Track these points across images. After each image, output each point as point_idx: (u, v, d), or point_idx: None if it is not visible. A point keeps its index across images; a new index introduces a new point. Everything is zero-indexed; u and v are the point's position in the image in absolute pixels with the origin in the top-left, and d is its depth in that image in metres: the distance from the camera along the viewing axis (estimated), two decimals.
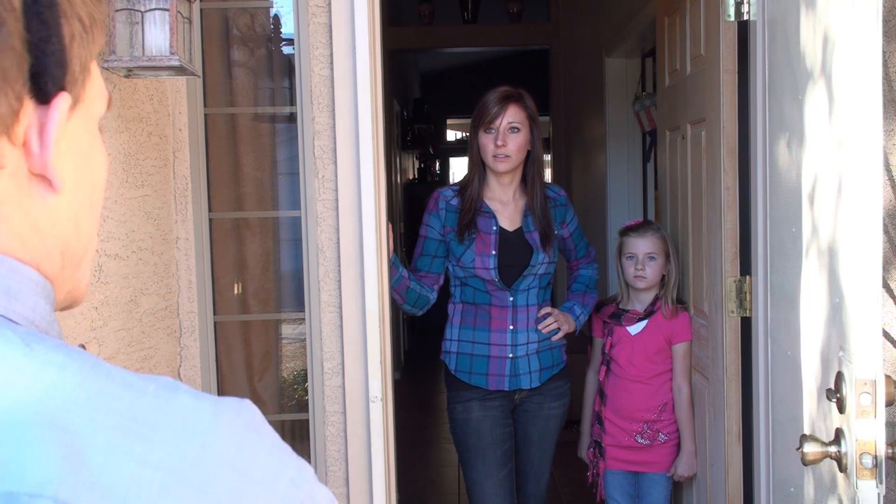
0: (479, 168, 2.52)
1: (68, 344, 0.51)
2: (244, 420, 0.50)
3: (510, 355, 2.52)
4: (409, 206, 7.75)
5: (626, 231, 2.75)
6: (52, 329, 0.55)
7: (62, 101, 0.54)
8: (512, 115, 2.46)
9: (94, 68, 0.58)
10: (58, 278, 0.57)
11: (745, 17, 2.09)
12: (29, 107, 0.52)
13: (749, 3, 2.06)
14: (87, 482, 0.45)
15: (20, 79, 0.51)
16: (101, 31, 0.57)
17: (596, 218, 4.88)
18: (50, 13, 0.52)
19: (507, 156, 2.45)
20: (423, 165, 9.62)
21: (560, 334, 2.59)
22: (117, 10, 1.66)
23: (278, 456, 0.50)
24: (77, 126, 0.57)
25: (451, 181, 11.56)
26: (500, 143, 2.44)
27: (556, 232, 2.58)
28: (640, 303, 2.72)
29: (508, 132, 2.45)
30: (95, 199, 0.60)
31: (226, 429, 0.49)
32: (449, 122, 10.77)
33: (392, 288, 2.34)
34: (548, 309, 2.58)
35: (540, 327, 2.54)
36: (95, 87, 0.59)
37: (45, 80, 0.52)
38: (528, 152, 2.52)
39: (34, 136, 0.53)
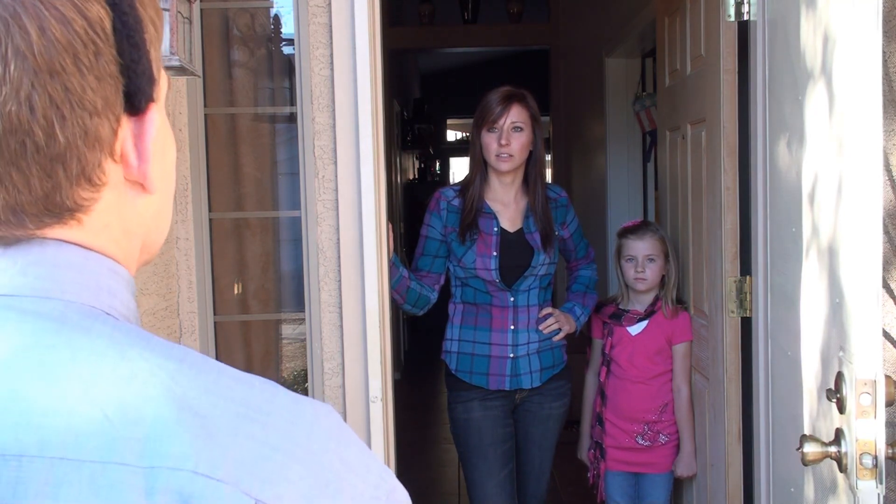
0: (480, 168, 2.52)
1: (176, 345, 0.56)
2: (336, 419, 0.55)
3: (511, 355, 2.52)
4: (409, 207, 7.75)
5: (625, 233, 2.75)
6: (137, 321, 0.61)
7: (155, 113, 0.58)
8: (515, 115, 2.46)
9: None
10: (135, 263, 0.63)
11: (746, 18, 2.09)
12: (123, 123, 0.56)
13: (749, 3, 2.07)
14: (220, 457, 0.49)
15: (118, 102, 0.55)
16: (161, 23, 0.61)
17: (596, 218, 4.88)
18: (138, 35, 0.56)
19: (511, 155, 2.45)
20: (423, 165, 9.62)
21: (561, 335, 2.59)
22: None
23: (367, 452, 0.56)
24: (161, 134, 0.61)
25: (451, 181, 11.58)
26: (503, 142, 2.43)
27: (556, 233, 2.58)
28: (640, 303, 2.72)
29: (512, 132, 2.45)
30: (173, 186, 0.65)
31: (325, 423, 0.54)
32: (449, 122, 10.77)
33: (392, 288, 2.34)
34: (548, 309, 2.58)
35: (541, 328, 2.54)
36: (163, 73, 0.62)
37: (139, 99, 0.56)
38: (530, 153, 2.52)
39: (130, 148, 0.57)
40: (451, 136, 11.33)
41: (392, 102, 6.13)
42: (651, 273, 2.67)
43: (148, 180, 0.58)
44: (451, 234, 2.51)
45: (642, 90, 4.59)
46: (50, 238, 0.56)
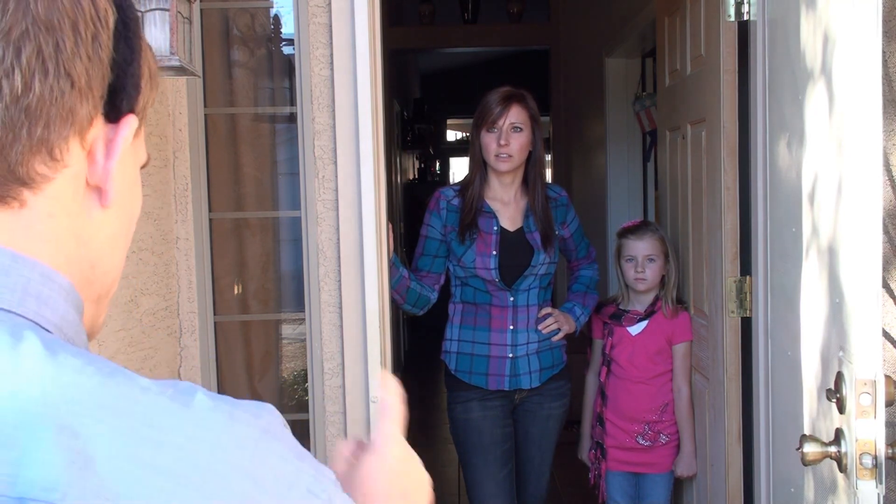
0: (480, 168, 2.52)
1: (91, 352, 0.52)
2: (262, 424, 0.50)
3: (510, 355, 2.52)
4: (409, 207, 7.75)
5: (625, 233, 2.75)
6: (78, 338, 0.56)
7: (131, 121, 0.57)
8: (515, 115, 2.46)
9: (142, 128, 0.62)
10: (85, 292, 0.58)
11: (746, 18, 2.09)
12: (99, 121, 0.56)
13: (749, 3, 2.07)
14: (93, 488, 0.44)
15: (100, 90, 0.55)
16: (157, 88, 0.62)
17: (596, 218, 4.88)
18: (136, 40, 0.57)
19: (510, 155, 2.45)
20: (423, 165, 9.62)
21: (560, 335, 2.59)
22: None
23: (294, 462, 0.49)
24: (130, 157, 0.60)
25: (451, 181, 11.58)
26: (503, 142, 2.44)
27: (556, 232, 2.58)
28: (640, 303, 2.72)
29: (511, 132, 2.45)
30: (130, 230, 0.63)
31: (240, 432, 0.48)
32: (449, 122, 10.76)
33: (392, 288, 2.34)
34: (548, 309, 2.58)
35: (540, 328, 2.54)
36: (143, 137, 0.62)
37: (120, 98, 0.56)
38: (530, 153, 2.52)
39: (100, 147, 0.56)
40: (451, 136, 11.33)
41: (392, 102, 6.13)
42: (651, 273, 2.67)
43: (109, 184, 0.56)
44: (450, 233, 2.51)
45: (642, 90, 4.59)
46: None
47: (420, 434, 5.00)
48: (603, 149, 4.94)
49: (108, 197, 0.57)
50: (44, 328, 0.52)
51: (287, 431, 0.52)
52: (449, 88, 9.50)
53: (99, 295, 0.61)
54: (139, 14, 0.58)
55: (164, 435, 0.47)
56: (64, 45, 0.52)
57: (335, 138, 2.05)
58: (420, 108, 8.84)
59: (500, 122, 2.45)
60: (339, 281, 2.08)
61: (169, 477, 0.46)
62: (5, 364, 0.48)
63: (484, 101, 2.50)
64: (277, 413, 0.52)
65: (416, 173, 9.46)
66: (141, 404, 0.48)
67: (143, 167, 0.63)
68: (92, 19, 0.54)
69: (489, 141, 2.46)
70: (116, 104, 0.56)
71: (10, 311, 0.51)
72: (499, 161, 2.46)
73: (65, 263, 0.56)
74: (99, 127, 0.56)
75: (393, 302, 2.36)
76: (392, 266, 2.34)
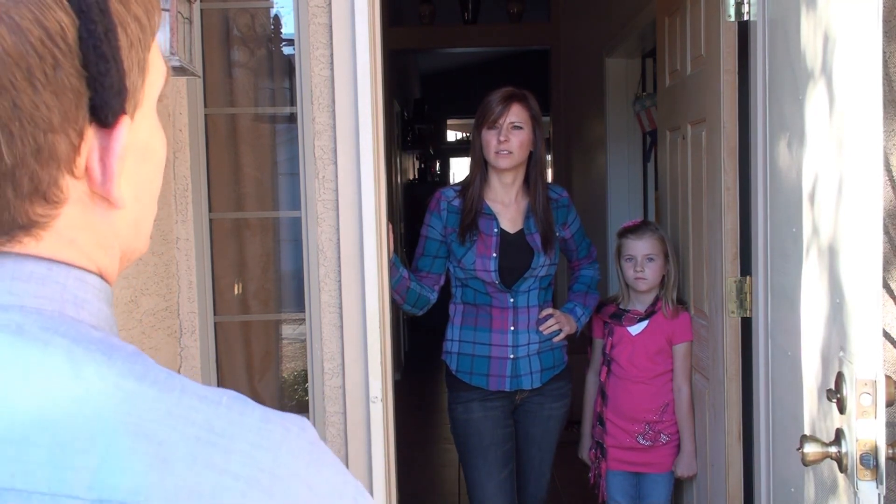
0: (481, 168, 2.52)
1: (141, 353, 0.53)
2: (309, 437, 0.52)
3: (511, 356, 2.52)
4: (409, 207, 7.75)
5: (624, 233, 2.75)
6: (112, 329, 0.57)
7: (123, 126, 0.54)
8: (515, 114, 2.46)
9: (153, 49, 0.57)
10: (115, 269, 0.59)
11: (746, 18, 2.09)
12: (89, 133, 0.52)
13: (749, 3, 2.07)
14: (174, 490, 0.46)
15: (80, 115, 0.51)
16: (157, 13, 0.56)
17: (596, 218, 4.88)
18: (107, 44, 0.51)
19: (510, 152, 2.45)
20: (423, 166, 9.62)
21: (561, 335, 2.59)
22: None
23: (341, 474, 0.52)
24: (138, 127, 0.57)
25: (451, 182, 11.56)
26: (502, 138, 2.44)
27: (557, 233, 2.58)
28: (640, 303, 2.72)
29: (511, 130, 2.45)
30: (156, 191, 0.62)
31: (296, 443, 0.50)
32: (449, 122, 10.76)
33: (392, 288, 2.34)
34: (549, 310, 2.58)
35: (541, 328, 2.54)
36: (154, 75, 0.58)
37: (104, 113, 0.52)
38: (531, 153, 2.52)
39: (96, 162, 0.53)
40: (452, 136, 11.33)
41: (392, 102, 6.13)
42: (650, 272, 2.67)
43: (113, 197, 0.54)
44: (450, 234, 2.51)
45: (642, 90, 4.59)
46: (8, 252, 0.52)
47: (420, 434, 5.00)
48: (603, 149, 4.94)
49: (117, 204, 0.55)
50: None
51: (326, 446, 0.54)
52: (449, 89, 9.50)
53: (127, 261, 0.62)
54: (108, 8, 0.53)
55: (230, 442, 0.48)
56: (23, 101, 0.48)
57: (335, 138, 2.05)
58: (420, 108, 8.84)
59: (501, 121, 2.46)
60: (340, 281, 2.08)
61: (241, 479, 0.47)
62: (65, 370, 0.48)
63: (485, 100, 2.50)
64: (314, 428, 0.54)
65: (416, 173, 9.46)
66: (202, 412, 0.49)
67: (166, 82, 0.61)
68: (46, 49, 0.48)
69: (489, 138, 2.47)
70: (102, 118, 0.52)
71: (53, 315, 0.52)
72: (499, 157, 2.47)
73: (96, 268, 0.56)
74: (89, 140, 0.53)
75: (393, 302, 2.36)
76: (392, 266, 2.34)
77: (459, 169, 11.03)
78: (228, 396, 0.51)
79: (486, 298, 2.52)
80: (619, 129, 4.81)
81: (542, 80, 6.29)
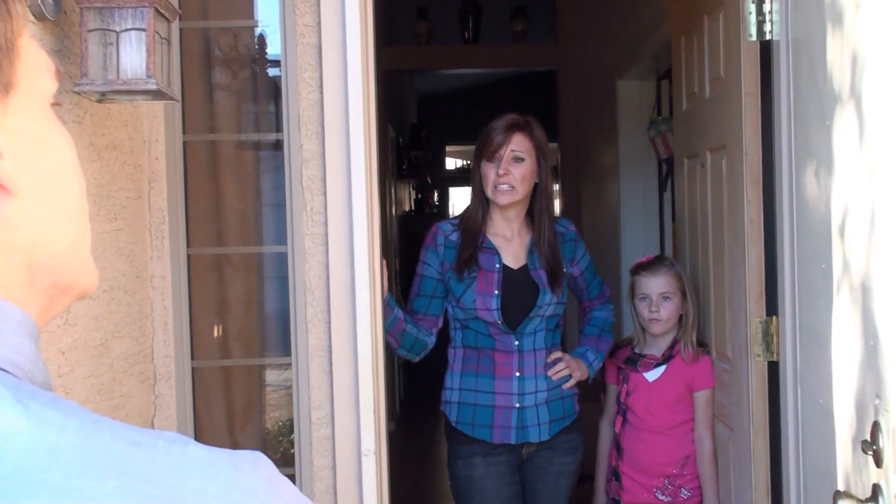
0: (482, 200, 2.54)
1: (61, 397, 0.50)
2: (264, 473, 0.50)
3: (517, 405, 2.51)
4: (404, 241, 7.77)
5: (638, 269, 2.76)
6: (37, 369, 0.54)
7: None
8: (517, 144, 2.48)
9: (25, 44, 0.56)
10: (29, 296, 0.56)
11: (768, 37, 2.12)
12: None
13: (772, 21, 2.09)
14: None
15: None
16: (20, 2, 0.56)
17: (608, 253, 4.89)
18: None
19: (511, 186, 2.47)
20: (420, 196, 9.66)
21: (571, 382, 2.58)
22: (90, 31, 1.68)
23: None
24: (19, 113, 0.55)
25: (450, 213, 11.58)
26: (501, 171, 2.45)
27: (565, 270, 2.58)
28: (657, 346, 2.72)
29: (512, 162, 2.47)
30: (68, 189, 0.59)
31: (248, 483, 0.48)
32: (448, 149, 10.83)
33: (387, 331, 2.34)
34: (557, 354, 2.57)
35: (549, 373, 2.53)
36: (32, 64, 0.57)
37: None
38: (536, 185, 2.53)
39: None
40: (451, 164, 11.38)
41: (386, 128, 6.18)
42: (666, 312, 2.67)
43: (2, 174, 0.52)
44: (448, 271, 2.52)
45: (657, 114, 4.63)
46: None
47: (417, 489, 4.96)
48: (615, 178, 4.97)
49: (5, 183, 0.53)
50: (2, 370, 0.51)
51: (286, 479, 0.52)
52: (448, 113, 9.57)
53: (58, 286, 0.57)
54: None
55: (171, 492, 0.46)
56: None
57: (325, 167, 2.06)
58: (417, 133, 8.90)
59: (501, 152, 2.47)
60: (329, 322, 2.08)
61: None
62: None
63: (485, 129, 2.52)
64: (270, 461, 0.52)
65: (412, 204, 9.49)
66: (136, 460, 0.47)
67: (57, 82, 0.60)
68: None
69: (488, 171, 2.48)
70: None
71: None
72: (497, 193, 2.48)
73: (7, 292, 0.53)
74: None
75: (387, 346, 2.35)
76: (386, 306, 2.34)
77: (459, 199, 11.08)
78: (166, 439, 0.49)
79: (488, 341, 2.52)
80: (632, 157, 4.84)
81: (549, 103, 6.34)
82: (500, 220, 2.56)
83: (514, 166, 2.47)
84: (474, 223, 2.52)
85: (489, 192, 2.50)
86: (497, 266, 2.52)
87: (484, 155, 2.49)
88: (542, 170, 2.52)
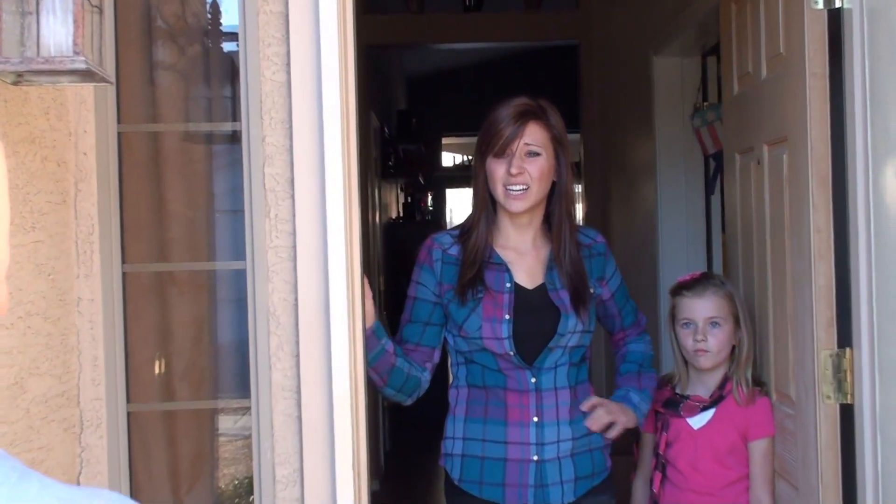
0: (486, 205, 2.53)
1: None
2: None
3: (535, 457, 2.50)
4: (391, 255, 7.77)
5: (680, 289, 2.76)
6: None
7: None
8: (531, 136, 2.47)
9: None
10: None
11: (838, 4, 2.12)
12: None
13: None
14: None
15: None
16: None
17: (643, 270, 4.89)
18: None
19: (525, 187, 2.46)
20: (410, 200, 9.68)
21: (617, 430, 2.55)
22: None
23: None
24: None
25: (448, 220, 11.60)
26: (514, 170, 2.44)
27: (592, 290, 2.57)
28: (703, 385, 2.72)
29: (526, 157, 2.46)
30: None
31: None
32: (445, 141, 10.86)
33: (371, 366, 2.34)
34: (594, 400, 2.56)
35: (588, 423, 2.51)
36: None
37: None
38: (553, 184, 2.53)
39: None
40: (448, 159, 11.41)
41: (369, 116, 6.19)
42: (715, 342, 2.67)
43: None
44: (447, 292, 2.51)
45: (703, 100, 4.64)
46: None
47: None
48: (651, 177, 4.98)
49: None
50: None
51: None
52: (445, 97, 9.59)
53: None
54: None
55: None
56: None
57: (293, 164, 2.06)
58: (406, 123, 8.92)
59: (513, 146, 2.46)
60: (297, 356, 2.07)
61: None
62: None
63: (490, 118, 2.51)
64: None
65: (400, 210, 9.51)
66: None
67: None
68: None
69: (497, 169, 2.47)
70: None
71: None
72: (510, 197, 2.47)
73: None
74: None
75: (371, 385, 2.35)
76: (371, 336, 2.34)
77: (459, 203, 11.10)
78: (103, 499, 0.50)
79: (498, 378, 2.51)
80: (672, 151, 4.85)
81: (570, 86, 6.36)
82: (511, 230, 2.55)
83: (529, 163, 2.46)
84: (479, 234, 2.52)
85: (499, 196, 2.49)
86: (508, 285, 2.51)
87: (490, 150, 2.49)
88: (561, 166, 2.52)
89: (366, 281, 2.21)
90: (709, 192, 4.69)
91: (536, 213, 2.55)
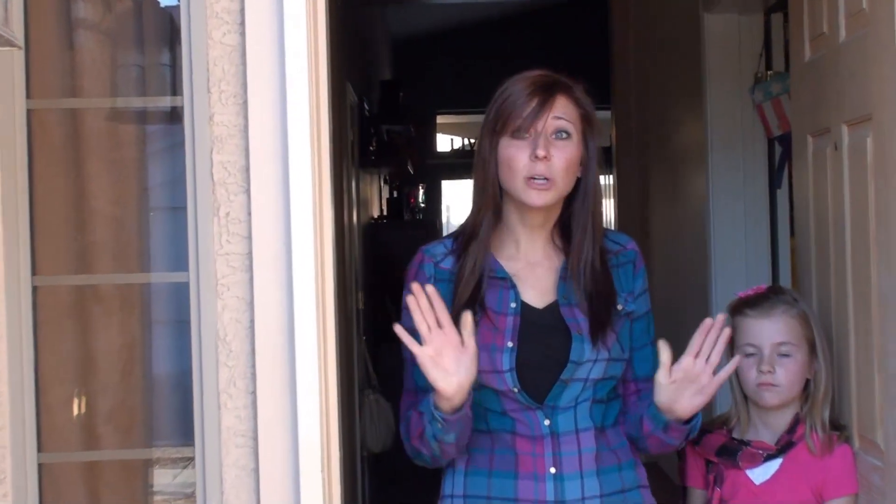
0: (495, 202, 2.50)
1: None
2: None
3: None
4: (373, 265, 7.77)
5: (742, 307, 2.75)
6: None
7: None
8: (561, 110, 2.45)
9: None
10: None
11: None
12: None
13: None
14: None
15: None
16: None
17: (691, 285, 4.89)
18: None
19: (548, 179, 2.44)
20: (396, 194, 9.67)
21: (694, 401, 2.43)
22: None
23: None
24: None
25: (444, 221, 11.59)
26: (541, 151, 2.41)
27: (621, 307, 2.55)
28: (768, 429, 2.72)
29: (553, 139, 2.44)
30: None
31: None
32: (440, 120, 10.86)
33: (452, 442, 2.33)
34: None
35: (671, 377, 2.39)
36: None
37: None
38: (578, 179, 2.50)
39: None
40: (444, 143, 11.42)
41: (345, 89, 6.18)
42: (785, 374, 2.66)
43: None
44: None
45: (766, 68, 4.64)
46: None
47: None
48: (701, 167, 4.98)
49: None
50: None
51: None
52: (440, 65, 9.59)
53: None
54: None
55: None
56: None
57: (248, 150, 2.06)
58: (392, 97, 8.91)
59: (538, 124, 2.44)
60: (254, 393, 2.07)
61: None
62: None
63: (506, 90, 2.48)
64: None
65: (384, 207, 9.50)
66: None
67: None
68: None
69: (516, 153, 2.44)
70: None
71: None
72: (532, 188, 2.42)
73: None
74: None
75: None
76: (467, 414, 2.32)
77: (458, 198, 11.09)
78: None
79: (503, 422, 2.50)
80: (727, 132, 4.85)
81: (598, 51, 6.36)
82: (521, 233, 2.53)
83: (558, 147, 2.44)
84: (480, 240, 2.49)
85: (516, 187, 2.44)
86: (512, 305, 2.49)
87: (507, 129, 2.45)
88: (590, 155, 2.50)
89: (468, 317, 2.20)
90: (774, 184, 4.69)
91: (553, 212, 2.53)
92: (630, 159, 6.09)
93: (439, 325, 2.25)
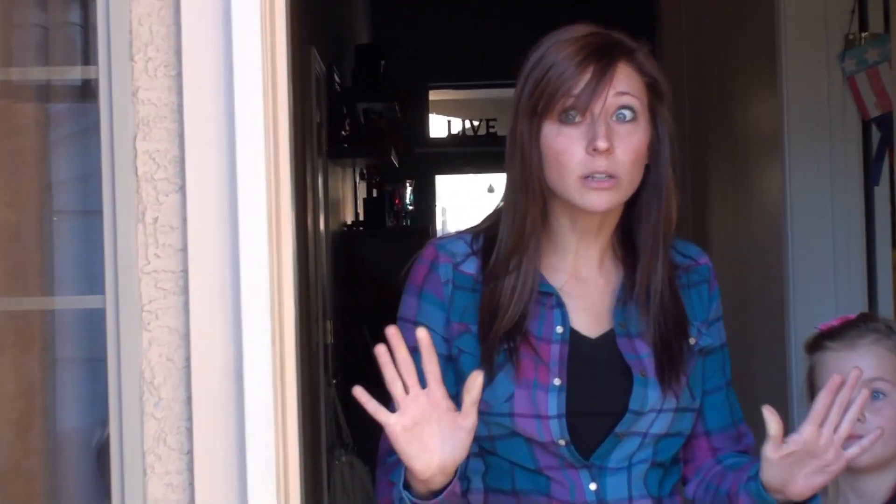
0: (541, 202, 2.46)
1: None
2: None
3: None
4: (346, 285, 7.79)
5: (822, 340, 2.76)
6: None
7: None
8: (625, 83, 2.42)
9: None
10: None
11: None
12: None
13: None
14: None
15: None
16: None
17: (762, 308, 4.90)
18: None
19: (611, 176, 2.41)
20: (376, 192, 9.69)
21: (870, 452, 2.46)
22: None
23: None
24: None
25: (438, 228, 11.63)
26: (602, 142, 2.39)
27: (693, 341, 2.55)
28: (861, 496, 2.73)
29: (615, 122, 2.43)
30: None
31: None
32: (433, 96, 10.88)
33: None
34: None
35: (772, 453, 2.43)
36: None
37: None
38: (647, 169, 2.48)
39: None
40: (439, 126, 11.44)
41: (309, 56, 6.20)
42: (884, 422, 2.66)
43: None
44: (461, 336, 2.48)
45: (860, 30, 4.66)
46: None
47: None
48: (776, 156, 5.00)
49: None
50: None
51: None
52: (434, 25, 9.63)
53: None
54: None
55: None
56: None
57: (183, 135, 2.07)
58: (370, 66, 8.94)
59: (596, 103, 2.41)
60: (190, 453, 2.08)
61: None
62: None
63: (544, 59, 2.45)
64: None
65: (360, 210, 9.52)
66: None
67: None
68: None
69: (568, 143, 2.41)
70: None
71: None
72: (590, 188, 2.39)
73: None
74: None
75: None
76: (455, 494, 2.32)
77: (458, 199, 11.12)
78: None
79: (538, 482, 2.50)
80: (810, 115, 4.87)
81: (640, 9, 6.38)
82: (573, 241, 2.50)
83: (622, 131, 2.41)
84: (526, 253, 2.45)
85: (568, 187, 2.42)
86: (559, 330, 2.49)
87: (550, 110, 2.43)
88: (659, 136, 2.48)
89: (477, 379, 2.19)
90: (871, 181, 4.70)
91: (614, 214, 2.51)
92: (681, 148, 6.10)
93: (422, 384, 2.20)
